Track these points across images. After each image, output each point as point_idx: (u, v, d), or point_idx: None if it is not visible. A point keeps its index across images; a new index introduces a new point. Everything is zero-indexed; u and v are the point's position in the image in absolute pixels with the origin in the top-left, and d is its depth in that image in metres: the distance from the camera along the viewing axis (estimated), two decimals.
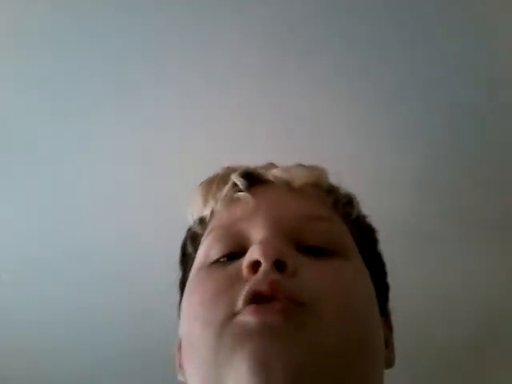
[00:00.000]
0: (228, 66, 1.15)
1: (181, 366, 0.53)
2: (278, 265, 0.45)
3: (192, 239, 0.58)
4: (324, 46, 1.13)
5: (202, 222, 0.57)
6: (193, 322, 0.47)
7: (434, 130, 1.20)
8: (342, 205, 0.57)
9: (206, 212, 0.56)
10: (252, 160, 1.05)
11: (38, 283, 1.30)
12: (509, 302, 1.31)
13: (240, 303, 0.44)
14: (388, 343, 0.55)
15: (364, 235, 0.57)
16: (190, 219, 0.58)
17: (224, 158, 1.20)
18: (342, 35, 1.11)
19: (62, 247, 1.28)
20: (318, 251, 0.50)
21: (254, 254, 0.46)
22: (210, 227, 0.55)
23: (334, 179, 0.58)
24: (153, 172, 1.24)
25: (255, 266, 0.46)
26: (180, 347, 0.53)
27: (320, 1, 1.08)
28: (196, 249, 0.55)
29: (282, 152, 1.20)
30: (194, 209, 0.58)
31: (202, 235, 0.55)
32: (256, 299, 0.43)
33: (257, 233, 0.50)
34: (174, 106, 1.18)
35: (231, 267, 0.49)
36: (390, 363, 0.54)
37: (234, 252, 0.50)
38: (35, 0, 1.07)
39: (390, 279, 0.59)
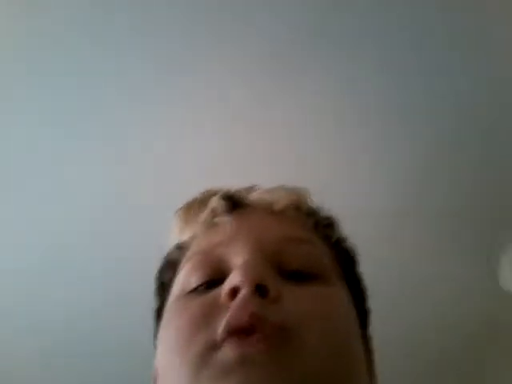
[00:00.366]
0: (227, 80, 1.15)
1: None
2: (260, 290, 0.44)
3: (170, 266, 0.56)
4: (320, 57, 1.12)
5: (181, 248, 0.55)
6: (169, 354, 0.46)
7: (435, 131, 1.19)
8: (323, 227, 0.56)
9: (185, 237, 0.55)
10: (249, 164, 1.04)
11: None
12: None
13: (219, 336, 0.42)
14: (370, 368, 0.54)
15: (345, 257, 0.56)
16: (167, 245, 0.57)
17: (222, 165, 1.21)
18: (336, 44, 1.11)
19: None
20: (299, 276, 0.49)
21: (234, 279, 0.45)
22: (188, 254, 0.53)
23: (315, 200, 0.58)
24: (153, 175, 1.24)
25: (235, 291, 0.44)
26: (155, 378, 0.52)
27: (315, 16, 1.07)
28: (173, 277, 0.54)
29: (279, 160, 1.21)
30: (172, 234, 0.57)
31: (180, 262, 0.54)
32: (236, 332, 0.42)
33: (237, 258, 0.48)
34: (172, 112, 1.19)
35: (210, 295, 0.47)
36: None
37: (214, 279, 0.49)
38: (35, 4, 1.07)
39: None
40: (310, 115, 1.19)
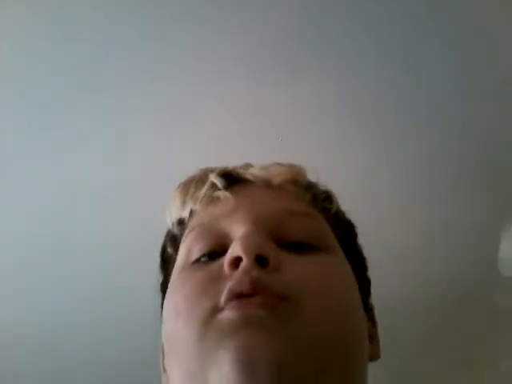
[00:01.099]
0: (227, 78, 1.17)
1: (164, 369, 0.53)
2: (260, 260, 0.45)
3: (171, 241, 0.57)
4: (318, 55, 1.15)
5: (181, 223, 0.56)
6: (175, 320, 0.47)
7: (435, 128, 1.22)
8: (321, 200, 0.57)
9: (185, 213, 0.56)
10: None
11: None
12: None
13: (222, 301, 0.44)
14: (372, 337, 0.54)
15: (344, 230, 0.57)
16: (169, 221, 0.58)
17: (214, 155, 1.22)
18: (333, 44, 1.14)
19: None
20: (299, 246, 0.50)
21: (235, 250, 0.46)
22: (189, 227, 0.54)
23: (312, 176, 0.59)
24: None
25: (236, 262, 0.45)
26: (163, 351, 0.52)
27: (307, 14, 1.10)
28: (176, 251, 0.55)
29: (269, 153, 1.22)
30: (173, 210, 0.57)
31: (181, 236, 0.55)
32: (238, 297, 0.43)
33: (237, 230, 0.49)
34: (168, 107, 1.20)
35: (213, 266, 0.48)
36: (374, 357, 0.54)
37: (215, 251, 0.50)
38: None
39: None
40: (307, 114, 1.21)
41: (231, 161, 1.21)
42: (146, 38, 1.12)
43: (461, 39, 1.15)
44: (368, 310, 0.56)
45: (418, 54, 1.16)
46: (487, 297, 1.31)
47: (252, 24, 1.13)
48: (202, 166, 0.58)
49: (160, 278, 0.59)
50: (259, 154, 1.23)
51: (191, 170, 1.19)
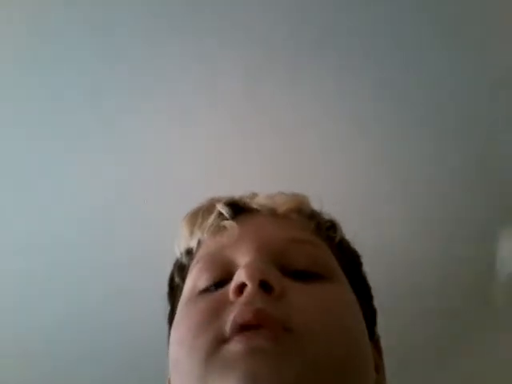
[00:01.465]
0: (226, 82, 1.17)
1: None
2: (264, 286, 0.46)
3: (179, 270, 0.58)
4: (311, 54, 1.15)
5: (189, 253, 0.57)
6: (180, 349, 0.47)
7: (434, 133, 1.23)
8: (325, 229, 0.57)
9: (193, 243, 0.56)
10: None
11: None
12: None
13: (227, 332, 0.44)
14: (378, 367, 0.55)
15: (348, 259, 0.58)
16: (177, 251, 0.59)
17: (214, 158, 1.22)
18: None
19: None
20: (303, 275, 0.50)
21: (239, 276, 0.46)
22: (196, 257, 0.55)
23: (316, 205, 0.59)
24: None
25: (241, 288, 0.46)
26: (169, 380, 0.53)
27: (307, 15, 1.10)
28: (183, 280, 0.55)
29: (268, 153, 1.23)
30: (181, 240, 0.58)
31: (189, 266, 0.56)
32: (242, 329, 0.43)
33: (242, 258, 0.50)
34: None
35: (218, 294, 0.49)
36: None
37: (221, 280, 0.50)
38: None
39: None
40: (307, 114, 1.21)
41: (231, 160, 1.22)
42: (145, 39, 1.12)
43: (461, 39, 1.14)
44: (374, 339, 0.56)
45: (418, 54, 1.16)
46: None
47: (252, 24, 1.12)
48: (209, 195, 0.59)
49: (167, 308, 0.60)
50: (259, 154, 1.25)
51: (191, 170, 1.20)
